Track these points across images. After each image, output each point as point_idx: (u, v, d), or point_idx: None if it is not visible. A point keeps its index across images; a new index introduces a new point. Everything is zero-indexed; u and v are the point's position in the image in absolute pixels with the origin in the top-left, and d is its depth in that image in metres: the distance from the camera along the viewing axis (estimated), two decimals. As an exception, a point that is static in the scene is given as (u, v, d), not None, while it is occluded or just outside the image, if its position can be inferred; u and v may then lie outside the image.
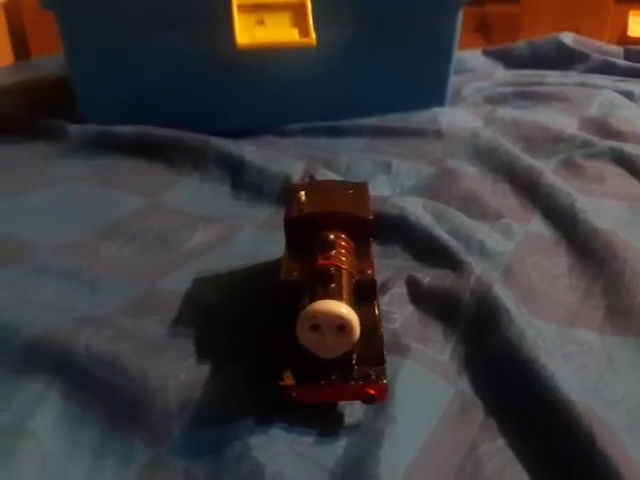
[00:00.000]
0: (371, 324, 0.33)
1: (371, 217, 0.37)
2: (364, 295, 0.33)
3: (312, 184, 0.42)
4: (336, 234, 0.35)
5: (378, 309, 0.34)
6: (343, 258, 0.34)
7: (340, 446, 0.30)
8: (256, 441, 0.30)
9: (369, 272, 0.34)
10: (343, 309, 0.30)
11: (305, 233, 0.36)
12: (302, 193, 0.38)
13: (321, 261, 0.33)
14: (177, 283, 0.43)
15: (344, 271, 0.33)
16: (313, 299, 0.30)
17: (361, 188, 0.41)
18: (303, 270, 0.34)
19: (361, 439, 0.30)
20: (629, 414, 0.32)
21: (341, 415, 0.32)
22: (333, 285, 0.31)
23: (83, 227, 0.51)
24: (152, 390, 0.32)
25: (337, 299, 0.30)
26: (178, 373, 0.33)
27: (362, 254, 0.36)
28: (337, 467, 0.29)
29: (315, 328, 0.30)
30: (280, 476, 0.28)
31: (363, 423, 0.31)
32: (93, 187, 0.58)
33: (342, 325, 0.29)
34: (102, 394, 0.33)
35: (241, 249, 0.48)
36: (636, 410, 0.32)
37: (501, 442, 0.30)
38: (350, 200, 0.39)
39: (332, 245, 0.34)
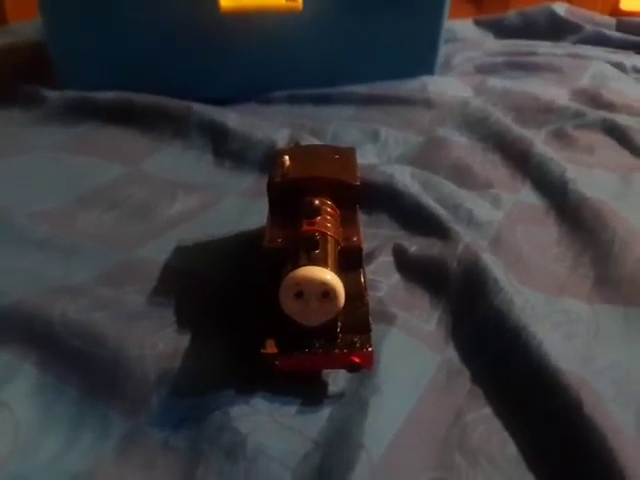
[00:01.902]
0: (356, 292, 0.32)
1: (358, 183, 0.36)
2: (350, 262, 0.32)
3: (297, 148, 0.40)
4: (321, 200, 0.34)
5: (364, 277, 0.33)
6: (328, 224, 0.33)
7: (324, 416, 0.29)
8: (237, 411, 0.29)
9: (355, 239, 0.33)
10: (328, 275, 0.29)
11: (289, 198, 0.35)
12: (286, 157, 0.37)
13: (306, 227, 0.32)
14: (157, 252, 0.41)
15: (329, 237, 0.32)
16: (297, 266, 0.29)
17: (348, 153, 0.40)
18: (287, 237, 0.33)
19: (345, 409, 0.29)
20: (615, 383, 0.32)
21: (325, 384, 0.31)
22: (318, 251, 0.30)
23: (61, 195, 0.50)
24: (129, 360, 0.31)
25: (322, 265, 0.29)
26: (156, 342, 0.32)
27: (348, 221, 0.35)
28: (320, 437, 0.28)
29: (299, 295, 0.29)
30: (262, 446, 0.27)
31: (347, 392, 0.30)
32: (71, 155, 0.56)
33: (326, 292, 0.28)
34: (78, 364, 0.32)
35: (223, 218, 0.46)
36: (622, 379, 0.32)
37: (487, 410, 0.30)
38: (336, 165, 0.38)
39: (317, 211, 0.33)
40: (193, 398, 0.30)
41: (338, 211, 0.35)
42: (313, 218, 0.33)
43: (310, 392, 0.30)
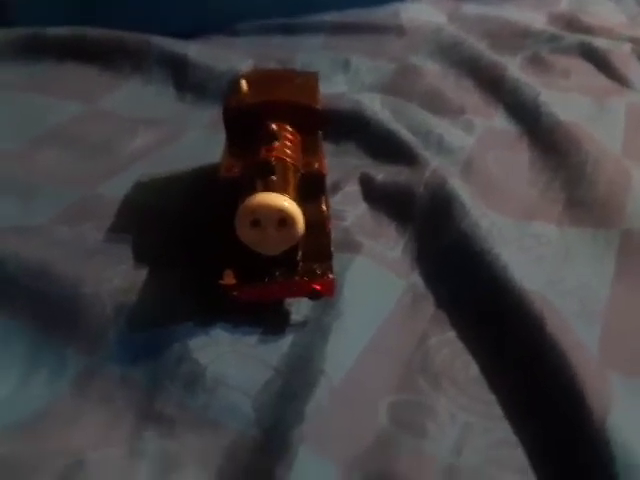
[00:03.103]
0: (318, 220, 0.30)
1: (318, 107, 0.34)
2: (311, 189, 0.31)
3: (256, 73, 0.38)
4: (280, 125, 0.33)
5: (326, 204, 0.32)
6: (288, 151, 0.31)
7: (285, 343, 0.29)
8: (196, 342, 0.28)
9: (317, 165, 0.32)
10: (285, 202, 0.27)
11: (246, 125, 0.33)
12: (243, 81, 0.35)
13: (263, 154, 0.30)
14: (117, 188, 0.40)
15: (288, 164, 0.30)
16: (252, 193, 0.28)
17: (310, 77, 0.38)
18: (245, 166, 0.31)
19: (307, 336, 0.29)
20: (582, 301, 0.32)
21: (287, 313, 0.30)
22: (275, 178, 0.29)
23: (17, 136, 0.47)
24: (85, 296, 0.30)
25: (279, 192, 0.28)
26: (112, 277, 0.31)
27: (310, 148, 0.33)
28: (281, 365, 0.28)
29: (255, 224, 0.27)
30: (221, 377, 0.27)
31: (310, 319, 0.30)
32: (26, 94, 0.53)
33: (283, 219, 0.27)
34: (33, 303, 0.31)
35: (185, 152, 0.45)
36: (590, 298, 0.32)
37: (451, 334, 0.30)
38: (297, 89, 0.36)
39: (275, 136, 0.31)
40: (151, 331, 0.29)
41: (299, 137, 0.33)
42: (271, 144, 0.31)
43: (272, 321, 0.30)
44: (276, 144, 0.31)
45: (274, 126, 0.32)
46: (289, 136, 0.33)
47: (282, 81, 0.37)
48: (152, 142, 0.46)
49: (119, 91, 0.54)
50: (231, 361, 0.28)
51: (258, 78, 0.37)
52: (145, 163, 0.43)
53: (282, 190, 0.28)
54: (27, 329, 0.30)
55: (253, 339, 0.29)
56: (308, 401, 0.25)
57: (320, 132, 0.35)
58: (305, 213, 0.29)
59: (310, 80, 0.38)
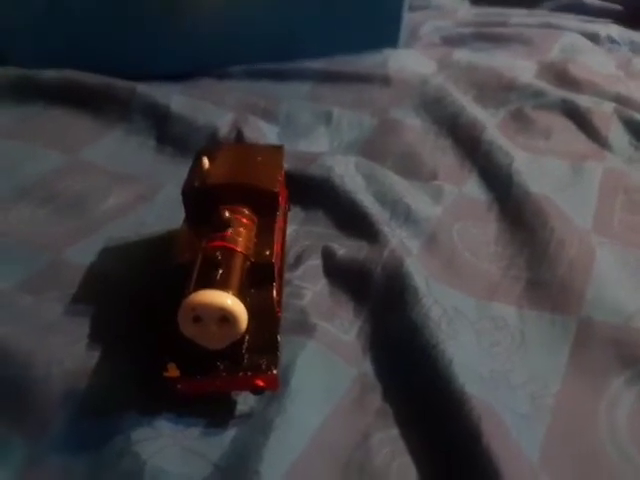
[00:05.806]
0: (267, 308, 0.31)
1: (277, 190, 0.35)
2: (261, 278, 0.31)
3: (220, 149, 0.39)
4: (236, 209, 0.33)
5: (277, 292, 0.32)
6: (239, 238, 0.32)
7: (228, 437, 0.29)
8: (139, 434, 0.28)
9: (267, 253, 0.32)
10: (228, 300, 0.28)
11: (205, 205, 0.34)
12: (205, 160, 0.36)
13: (211, 243, 0.31)
14: (84, 253, 0.40)
15: (237, 254, 0.31)
16: (196, 288, 0.28)
17: (275, 152, 0.39)
18: (196, 251, 0.31)
19: (250, 431, 0.29)
20: (532, 397, 0.31)
21: (234, 404, 0.30)
22: (220, 271, 0.29)
23: (-2, 186, 0.48)
24: (34, 379, 0.30)
25: (221, 288, 0.28)
26: (64, 359, 0.31)
27: (265, 231, 0.34)
28: (222, 461, 0.28)
29: (197, 320, 0.28)
30: (161, 472, 0.27)
31: (255, 412, 0.30)
32: (10, 140, 0.54)
33: (225, 317, 0.28)
34: None
35: (159, 212, 0.45)
36: (540, 393, 0.32)
37: (395, 431, 0.29)
38: (258, 169, 0.36)
39: (227, 224, 0.32)
40: (96, 420, 0.29)
41: (255, 219, 0.34)
42: (223, 231, 0.31)
43: (217, 412, 0.30)
44: (228, 231, 0.32)
45: (227, 213, 0.32)
46: (244, 220, 0.33)
47: (245, 159, 0.37)
48: (126, 201, 0.46)
49: (103, 140, 0.55)
50: (172, 455, 0.28)
51: (221, 154, 0.37)
52: (116, 225, 0.44)
53: (226, 285, 0.28)
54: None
55: (196, 431, 0.29)
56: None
57: (277, 213, 0.35)
58: (254, 302, 0.30)
59: (275, 155, 0.38)
